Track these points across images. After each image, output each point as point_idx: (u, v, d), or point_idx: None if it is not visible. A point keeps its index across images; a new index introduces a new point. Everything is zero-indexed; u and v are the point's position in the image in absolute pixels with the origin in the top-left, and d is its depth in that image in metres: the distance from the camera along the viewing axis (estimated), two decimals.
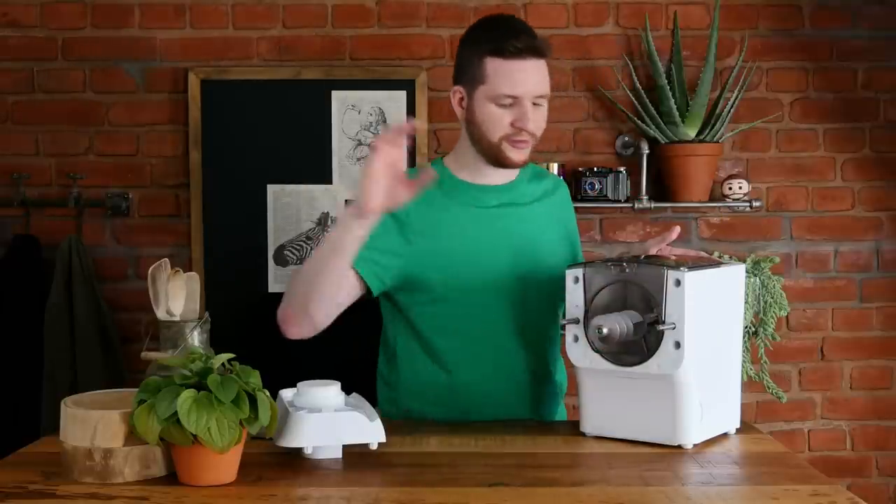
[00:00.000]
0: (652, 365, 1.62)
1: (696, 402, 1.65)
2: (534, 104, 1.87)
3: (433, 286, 1.91)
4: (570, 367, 1.79)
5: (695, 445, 1.66)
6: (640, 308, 1.63)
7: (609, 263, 1.68)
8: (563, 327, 1.72)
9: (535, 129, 1.88)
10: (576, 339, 1.70)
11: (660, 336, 1.61)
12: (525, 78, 1.85)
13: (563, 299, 1.76)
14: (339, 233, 1.75)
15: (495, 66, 1.85)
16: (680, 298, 1.58)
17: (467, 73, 1.90)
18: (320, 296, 1.82)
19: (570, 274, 1.72)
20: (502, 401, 1.95)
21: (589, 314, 1.67)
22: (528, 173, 2.06)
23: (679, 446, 1.65)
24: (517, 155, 1.90)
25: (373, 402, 2.13)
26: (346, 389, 1.97)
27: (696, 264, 1.67)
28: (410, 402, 1.99)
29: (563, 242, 2.06)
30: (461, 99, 1.93)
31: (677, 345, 1.59)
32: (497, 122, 1.87)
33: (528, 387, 1.98)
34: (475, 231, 1.94)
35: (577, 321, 1.69)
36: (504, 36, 1.86)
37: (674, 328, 1.59)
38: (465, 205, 1.95)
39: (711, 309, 1.67)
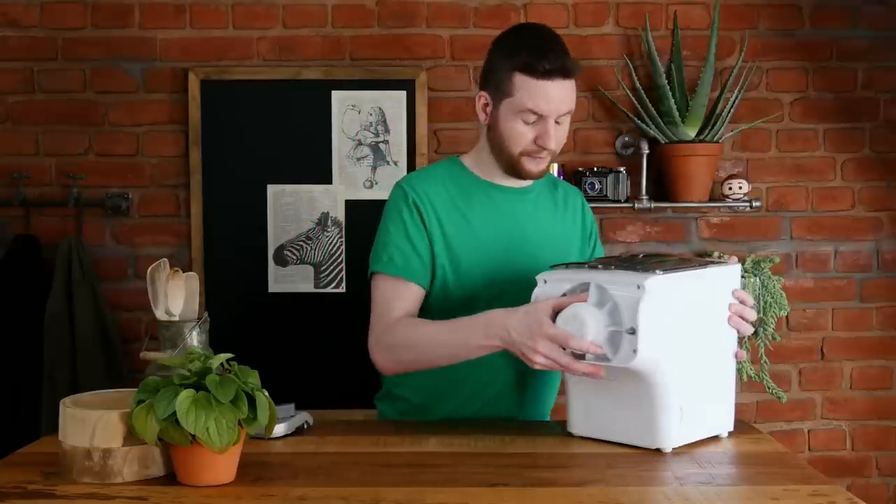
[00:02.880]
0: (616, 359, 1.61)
1: (675, 405, 1.63)
2: (557, 122, 1.88)
3: (442, 277, 1.93)
4: None
5: (674, 449, 1.66)
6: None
7: (586, 265, 1.70)
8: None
9: (555, 147, 1.90)
10: None
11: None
12: (552, 97, 1.85)
13: None
14: (477, 343, 1.74)
15: (524, 83, 1.84)
16: (647, 302, 1.57)
17: (495, 82, 1.90)
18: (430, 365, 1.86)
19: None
20: (490, 395, 1.96)
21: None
22: (545, 180, 2.07)
23: (658, 450, 1.65)
24: (534, 167, 1.92)
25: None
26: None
27: (674, 266, 1.66)
28: (405, 392, 2.02)
29: (580, 244, 2.07)
30: (486, 105, 1.93)
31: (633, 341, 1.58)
32: (519, 137, 1.88)
33: (514, 384, 1.98)
34: (488, 227, 1.95)
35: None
36: (537, 53, 1.84)
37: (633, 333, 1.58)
38: (482, 202, 1.97)
39: (691, 311, 1.65)
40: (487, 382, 1.96)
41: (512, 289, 1.92)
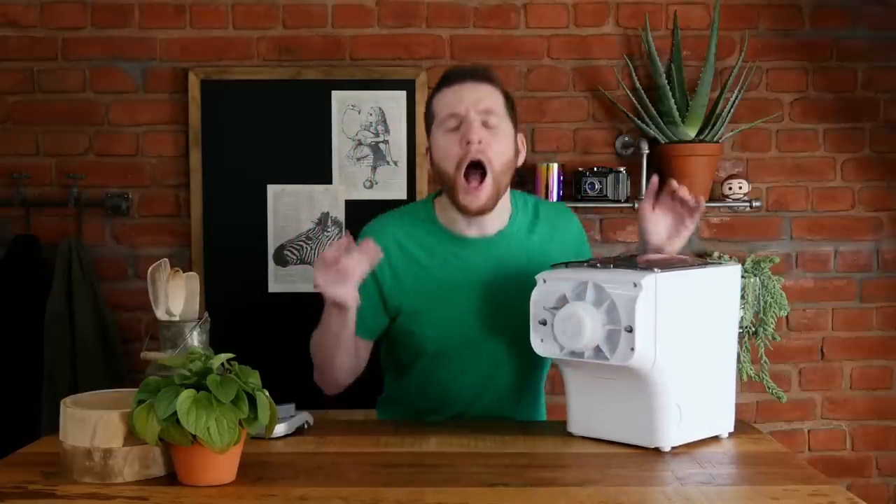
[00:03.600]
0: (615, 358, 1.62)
1: (672, 404, 1.64)
2: (484, 124, 1.86)
3: (411, 338, 1.97)
4: (552, 365, 1.80)
5: (674, 449, 1.66)
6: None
7: (585, 264, 1.72)
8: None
9: (481, 144, 1.84)
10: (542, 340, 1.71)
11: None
12: (463, 96, 1.88)
13: None
14: (328, 323, 1.86)
15: (438, 99, 1.92)
16: (643, 300, 1.58)
17: (427, 122, 1.96)
18: (341, 369, 1.95)
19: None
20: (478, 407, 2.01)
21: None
22: (526, 214, 2.01)
23: (657, 449, 1.65)
24: (468, 200, 1.86)
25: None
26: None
27: (672, 265, 1.66)
28: (398, 404, 2.09)
29: None
30: (427, 149, 1.97)
31: (631, 340, 1.59)
32: (448, 148, 1.87)
33: (500, 394, 2.02)
34: (455, 286, 1.93)
35: None
36: (445, 74, 1.96)
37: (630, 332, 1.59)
38: (445, 256, 1.94)
39: (688, 310, 1.66)
40: (474, 396, 1.99)
41: (481, 340, 1.94)
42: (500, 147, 1.87)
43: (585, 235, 2.12)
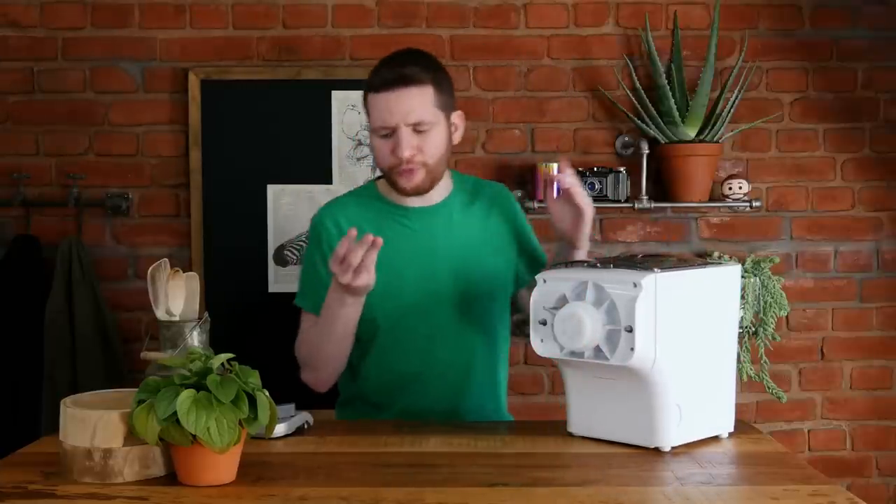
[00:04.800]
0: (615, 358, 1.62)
1: (672, 403, 1.64)
2: (417, 131, 1.90)
3: (365, 313, 1.96)
4: (551, 365, 1.80)
5: (674, 449, 1.66)
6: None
7: (584, 264, 1.72)
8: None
9: (412, 156, 1.90)
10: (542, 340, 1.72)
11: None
12: (392, 108, 1.88)
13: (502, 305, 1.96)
14: (338, 314, 1.88)
15: (371, 102, 1.93)
16: (643, 300, 1.58)
17: (366, 114, 1.98)
18: (344, 356, 2.00)
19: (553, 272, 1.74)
20: (440, 396, 2.03)
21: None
22: (466, 190, 2.09)
23: (657, 449, 1.65)
24: (404, 182, 1.95)
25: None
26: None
27: (672, 265, 1.67)
28: (362, 394, 2.11)
29: (504, 250, 2.09)
30: (368, 138, 2.04)
31: (631, 340, 1.59)
32: (381, 153, 1.94)
33: (462, 386, 2.04)
34: (400, 251, 1.97)
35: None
36: (377, 70, 1.93)
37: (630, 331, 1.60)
38: (391, 226, 2.00)
39: (688, 310, 1.66)
40: (434, 378, 2.02)
41: (430, 308, 1.98)
42: (434, 145, 1.93)
43: (523, 213, 2.18)
